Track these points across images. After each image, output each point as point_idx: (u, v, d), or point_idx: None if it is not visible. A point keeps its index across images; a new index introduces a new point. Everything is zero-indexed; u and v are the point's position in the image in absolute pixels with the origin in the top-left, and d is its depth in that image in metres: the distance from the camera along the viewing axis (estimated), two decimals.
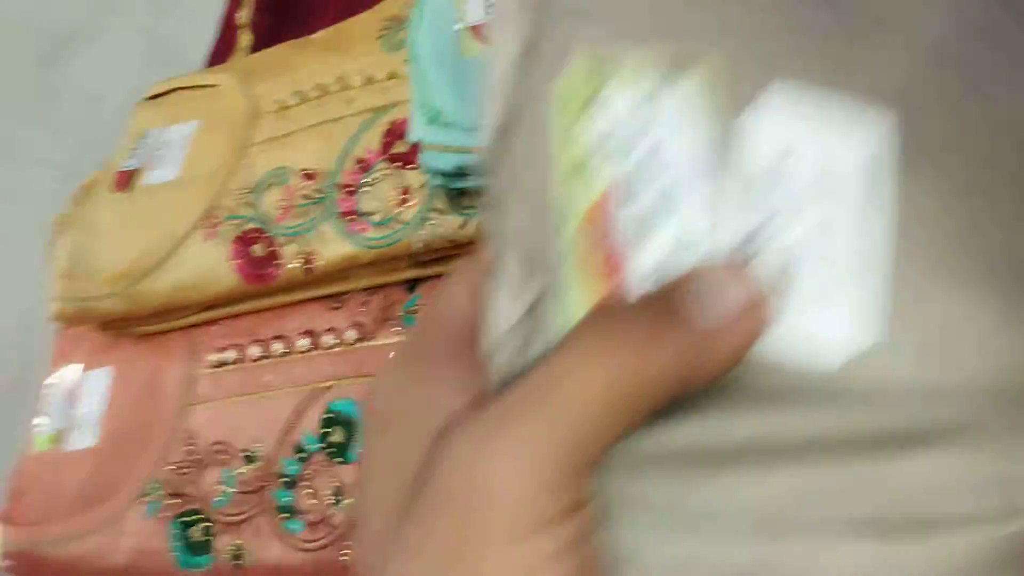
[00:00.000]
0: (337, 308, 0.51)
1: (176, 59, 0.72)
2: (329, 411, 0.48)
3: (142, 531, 0.50)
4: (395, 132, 0.49)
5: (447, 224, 0.46)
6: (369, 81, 0.52)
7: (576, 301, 0.22)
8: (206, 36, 0.70)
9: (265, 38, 0.65)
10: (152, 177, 0.55)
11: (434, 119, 0.44)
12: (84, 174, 0.67)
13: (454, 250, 0.47)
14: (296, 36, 0.62)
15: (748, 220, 0.20)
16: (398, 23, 0.55)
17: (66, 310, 0.53)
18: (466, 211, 0.46)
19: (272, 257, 0.49)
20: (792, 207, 0.20)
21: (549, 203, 0.22)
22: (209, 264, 0.51)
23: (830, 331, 0.19)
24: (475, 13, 0.47)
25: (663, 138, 0.21)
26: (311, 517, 0.46)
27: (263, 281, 0.50)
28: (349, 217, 0.48)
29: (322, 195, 0.49)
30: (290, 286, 0.50)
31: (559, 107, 0.22)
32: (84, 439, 0.54)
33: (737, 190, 0.20)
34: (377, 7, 0.58)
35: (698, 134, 0.20)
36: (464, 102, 0.44)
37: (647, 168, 0.21)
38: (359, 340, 0.49)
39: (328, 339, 0.50)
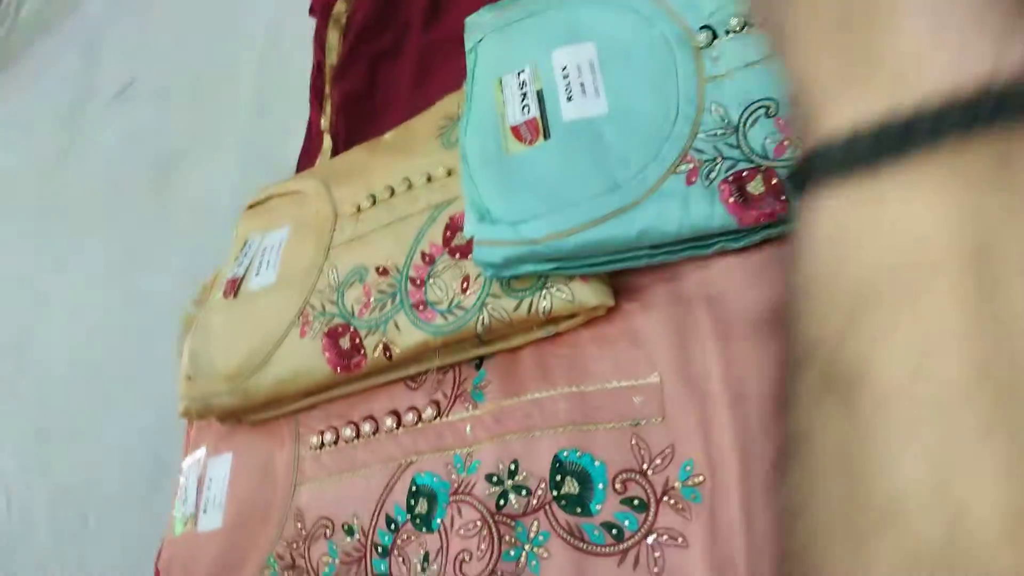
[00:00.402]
0: (415, 388, 0.56)
1: (271, 166, 0.80)
2: (414, 483, 0.53)
3: None
4: (454, 226, 0.54)
5: (503, 307, 0.50)
6: (430, 179, 0.58)
7: None
8: (295, 142, 0.79)
9: (344, 140, 0.73)
10: (254, 283, 0.63)
11: (483, 217, 0.49)
12: (201, 276, 0.76)
13: (512, 328, 0.51)
14: (369, 136, 0.69)
15: None
16: (454, 121, 0.61)
17: (191, 408, 0.61)
18: (519, 293, 0.50)
19: (357, 348, 0.55)
20: None
21: None
22: (305, 359, 0.57)
23: None
24: (514, 114, 0.52)
25: None
26: None
27: (351, 370, 0.55)
28: (419, 307, 0.53)
29: (395, 289, 0.55)
30: (374, 371, 0.56)
31: None
32: (212, 521, 0.61)
33: None
34: (436, 105, 0.64)
35: None
36: (509, 199, 0.49)
37: None
38: (436, 416, 0.54)
39: (410, 417, 0.55)
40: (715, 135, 0.47)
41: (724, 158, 0.46)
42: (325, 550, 0.55)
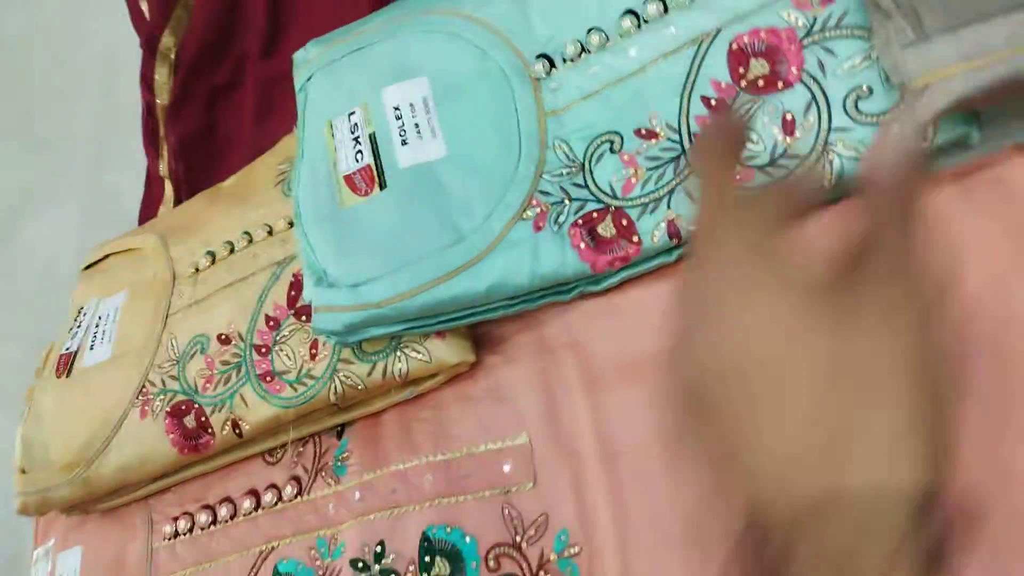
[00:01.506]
0: (274, 463, 0.51)
1: (116, 215, 0.73)
2: (276, 573, 0.48)
3: None
4: (298, 285, 0.50)
5: (356, 374, 0.46)
6: (270, 232, 0.53)
7: None
8: (139, 188, 0.72)
9: (187, 185, 0.67)
10: (88, 359, 0.57)
11: (320, 280, 0.45)
12: (48, 342, 0.69)
13: (368, 394, 0.47)
14: (212, 179, 0.63)
15: None
16: (294, 165, 0.56)
17: (28, 503, 0.54)
18: (372, 357, 0.46)
19: (203, 427, 0.50)
20: None
21: None
22: (148, 442, 0.52)
23: None
24: (347, 162, 0.47)
25: None
26: None
27: (199, 451, 0.50)
28: (266, 379, 0.49)
29: (239, 359, 0.50)
30: (225, 450, 0.51)
31: None
32: None
33: None
34: (276, 147, 0.59)
35: None
36: (346, 259, 0.45)
37: None
38: (297, 495, 0.49)
39: (269, 496, 0.50)
40: (560, 175, 0.44)
41: (572, 199, 0.43)
42: None
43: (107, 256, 0.64)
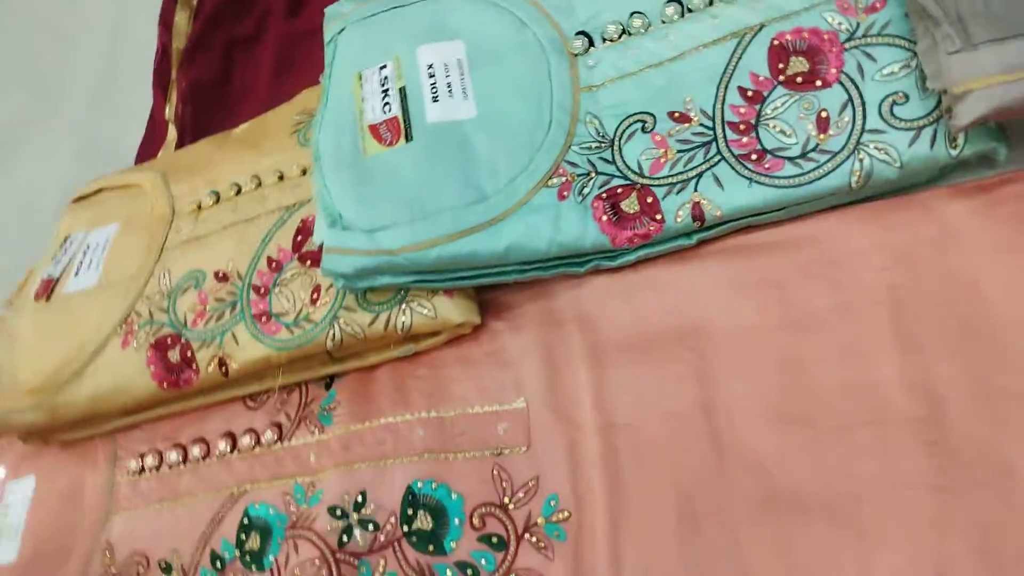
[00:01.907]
0: (255, 408, 0.50)
1: (109, 156, 0.71)
2: (246, 516, 0.47)
3: None
4: (306, 230, 0.49)
5: (357, 322, 0.45)
6: (281, 178, 0.53)
7: None
8: (137, 132, 0.71)
9: (192, 131, 0.66)
10: (71, 285, 0.55)
11: (335, 222, 0.44)
12: (19, 275, 0.67)
13: (366, 345, 0.47)
14: (220, 128, 0.63)
15: None
16: (311, 117, 0.55)
17: None
18: (375, 307, 0.45)
19: (188, 362, 0.49)
20: None
21: None
22: (126, 372, 0.50)
23: None
24: (374, 112, 0.47)
25: None
26: None
27: (180, 387, 0.49)
28: (261, 319, 0.48)
29: (235, 297, 0.49)
30: (207, 389, 0.50)
31: None
32: (5, 553, 0.53)
33: None
34: (295, 99, 0.58)
35: None
36: (365, 204, 0.44)
37: None
38: (277, 441, 0.48)
39: (246, 440, 0.49)
40: (589, 148, 0.44)
41: (598, 173, 0.43)
42: None
43: (100, 191, 0.62)
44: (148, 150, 0.68)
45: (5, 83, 0.87)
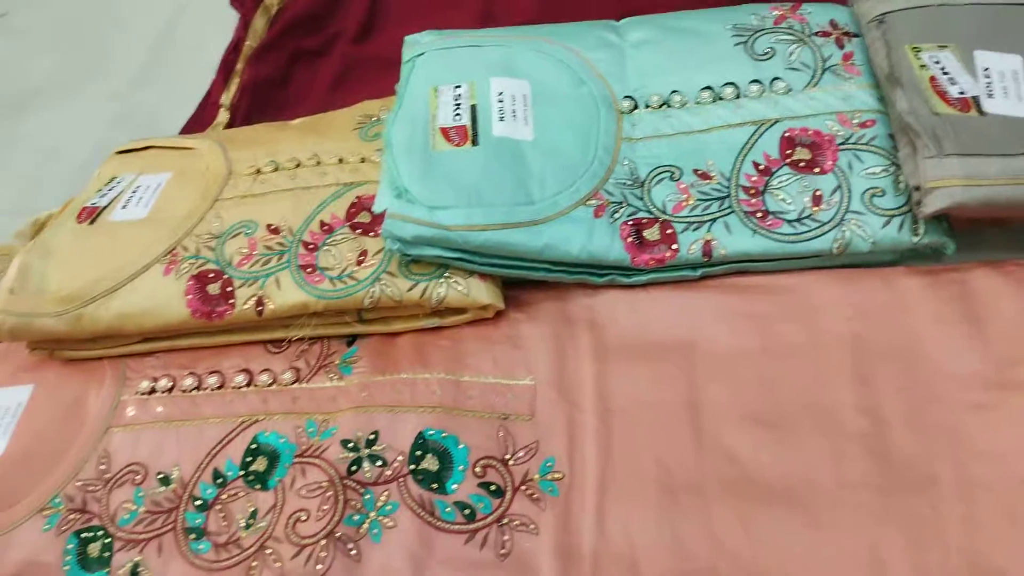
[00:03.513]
0: (276, 353, 0.54)
1: (144, 127, 0.76)
2: (255, 441, 0.50)
3: (35, 544, 0.49)
4: (361, 205, 0.56)
5: (397, 286, 0.51)
6: (342, 161, 0.59)
7: None
8: (177, 111, 0.76)
9: (244, 119, 0.72)
10: (118, 214, 0.59)
11: (400, 195, 0.51)
12: (28, 215, 0.69)
13: (398, 311, 0.52)
14: (272, 120, 0.69)
15: None
16: (372, 120, 0.63)
17: (4, 323, 0.54)
18: (416, 277, 0.51)
19: (226, 297, 0.53)
20: None
21: None
22: (162, 296, 0.54)
23: None
24: (446, 118, 0.55)
25: None
26: (220, 539, 0.47)
27: (211, 319, 0.53)
28: (307, 269, 0.53)
29: (284, 248, 0.54)
30: (237, 326, 0.54)
31: None
32: None
33: None
34: (356, 105, 0.66)
35: None
36: (430, 185, 0.51)
37: None
38: (295, 382, 0.52)
39: (264, 378, 0.53)
40: (624, 184, 0.53)
41: (628, 204, 0.52)
42: (129, 497, 0.50)
43: (149, 147, 0.67)
44: (195, 127, 0.73)
45: (52, 43, 0.92)
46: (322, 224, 0.55)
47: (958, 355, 0.45)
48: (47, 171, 0.78)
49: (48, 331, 0.55)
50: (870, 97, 0.53)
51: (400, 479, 0.47)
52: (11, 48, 0.92)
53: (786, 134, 0.53)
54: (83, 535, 0.49)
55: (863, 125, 0.52)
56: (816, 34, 0.56)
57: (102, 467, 0.52)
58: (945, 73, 0.49)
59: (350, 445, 0.48)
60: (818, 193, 0.50)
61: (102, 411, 0.54)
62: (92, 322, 0.54)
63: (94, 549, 0.49)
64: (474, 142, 0.54)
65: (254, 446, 0.50)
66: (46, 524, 0.50)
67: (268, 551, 0.46)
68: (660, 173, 0.53)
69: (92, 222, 0.59)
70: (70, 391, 0.56)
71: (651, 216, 0.52)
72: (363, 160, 0.59)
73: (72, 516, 0.50)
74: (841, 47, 0.55)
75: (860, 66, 0.54)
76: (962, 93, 0.48)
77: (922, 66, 0.50)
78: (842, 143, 0.52)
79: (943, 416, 0.44)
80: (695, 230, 0.51)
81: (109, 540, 0.49)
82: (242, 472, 0.49)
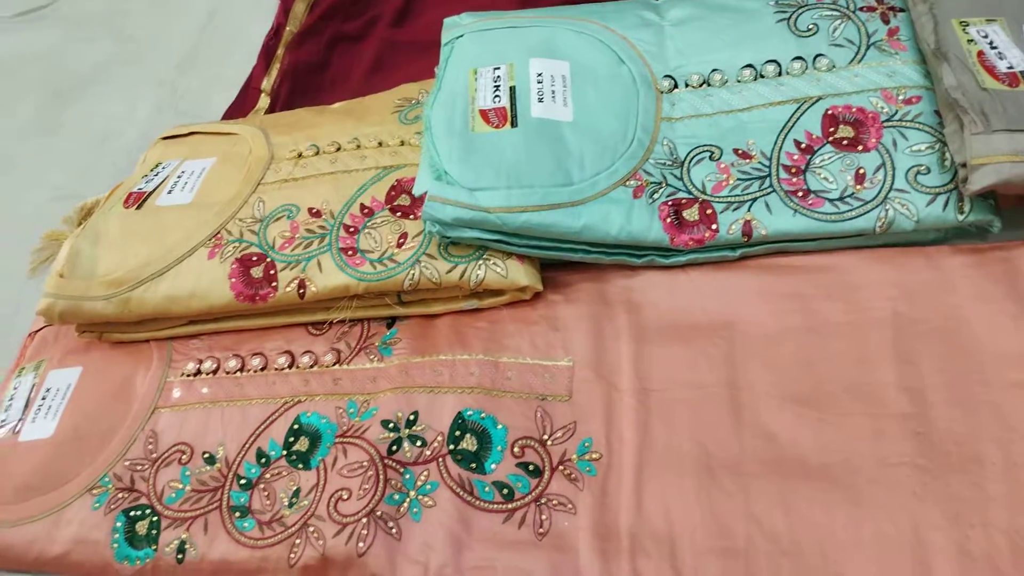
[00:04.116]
0: (317, 335, 0.55)
1: (186, 115, 0.78)
2: (297, 422, 0.51)
3: (85, 522, 0.51)
4: (400, 188, 0.56)
5: (437, 268, 0.51)
6: (381, 144, 0.60)
7: None
8: (220, 96, 0.77)
9: (284, 103, 0.73)
10: (164, 199, 0.60)
11: (440, 177, 0.51)
12: (76, 200, 0.71)
13: (437, 292, 0.53)
14: (311, 104, 0.70)
15: None
16: (411, 103, 0.63)
17: (55, 306, 0.56)
18: (455, 259, 0.52)
19: (269, 280, 0.54)
20: None
21: None
22: (208, 280, 0.55)
23: None
24: (485, 100, 0.55)
25: None
26: (264, 517, 0.48)
27: (254, 302, 0.54)
28: (348, 252, 0.54)
29: (325, 231, 0.55)
30: (279, 308, 0.55)
31: None
32: (41, 430, 0.55)
33: None
34: (394, 89, 0.66)
35: None
36: (469, 167, 0.52)
37: None
38: (336, 364, 0.53)
39: (306, 359, 0.54)
40: (663, 164, 0.52)
41: (668, 184, 0.52)
42: (176, 476, 0.51)
43: (193, 133, 0.68)
44: (236, 112, 0.74)
45: (98, 33, 0.93)
46: (362, 207, 0.56)
47: (1003, 334, 0.44)
48: (94, 157, 0.80)
49: (97, 314, 0.56)
50: (916, 73, 0.51)
51: (439, 459, 0.47)
52: (57, 36, 0.95)
53: (829, 112, 0.52)
54: (131, 513, 0.51)
55: (908, 102, 0.51)
56: (861, 9, 0.55)
57: (149, 447, 0.53)
58: (993, 47, 0.48)
59: (390, 425, 0.49)
60: (861, 171, 0.49)
61: (149, 392, 0.55)
62: (139, 305, 0.56)
63: (142, 527, 0.50)
64: (513, 124, 0.54)
65: (296, 426, 0.51)
66: (95, 503, 0.52)
67: (311, 529, 0.47)
68: (700, 153, 0.53)
69: (139, 207, 0.60)
70: (118, 373, 0.57)
71: (690, 196, 0.51)
72: (402, 143, 0.59)
73: (120, 495, 0.52)
74: (886, 22, 0.54)
75: (906, 41, 0.53)
76: (1011, 68, 0.47)
77: (970, 40, 0.49)
78: (886, 120, 0.50)
79: (987, 395, 0.43)
80: (735, 210, 0.50)
81: (156, 518, 0.50)
82: (285, 452, 0.50)
